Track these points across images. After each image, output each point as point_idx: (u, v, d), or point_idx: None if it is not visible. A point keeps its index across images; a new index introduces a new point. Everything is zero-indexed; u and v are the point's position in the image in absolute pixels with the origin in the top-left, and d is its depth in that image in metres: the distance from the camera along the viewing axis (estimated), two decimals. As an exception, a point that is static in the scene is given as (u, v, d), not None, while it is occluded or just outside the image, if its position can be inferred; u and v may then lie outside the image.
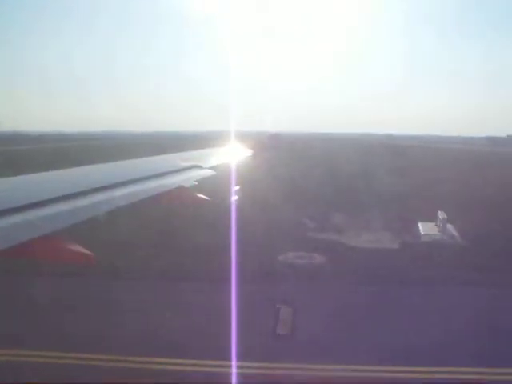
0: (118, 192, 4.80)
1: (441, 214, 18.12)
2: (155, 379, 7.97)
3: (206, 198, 5.86)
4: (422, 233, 17.72)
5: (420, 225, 18.58)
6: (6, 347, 8.78)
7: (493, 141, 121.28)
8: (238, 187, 8.08)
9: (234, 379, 7.64)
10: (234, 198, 8.36)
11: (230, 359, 8.05)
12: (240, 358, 8.11)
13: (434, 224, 18.54)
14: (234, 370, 7.89)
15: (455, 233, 17.61)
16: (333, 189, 26.16)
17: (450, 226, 17.96)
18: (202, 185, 6.24)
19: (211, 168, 7.54)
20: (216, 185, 7.21)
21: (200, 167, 7.39)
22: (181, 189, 5.70)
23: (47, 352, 8.73)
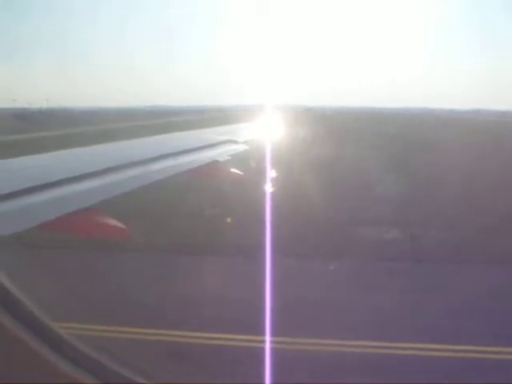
0: (154, 166, 4.84)
1: None
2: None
3: (240, 172, 5.87)
4: None
5: None
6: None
7: None
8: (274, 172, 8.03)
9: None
10: (271, 175, 8.32)
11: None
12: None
13: None
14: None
15: None
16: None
17: None
18: (236, 159, 6.23)
19: (246, 142, 7.52)
20: (250, 159, 7.18)
21: (235, 142, 7.38)
22: (215, 163, 5.72)
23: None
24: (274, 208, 10.11)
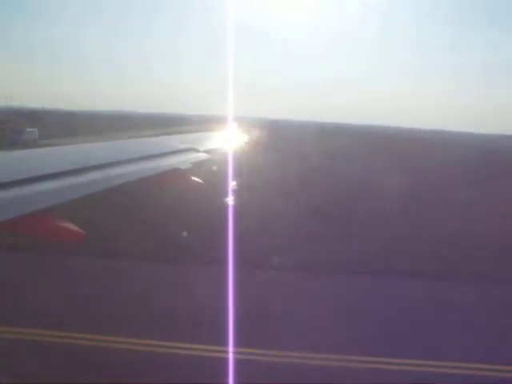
0: (114, 171, 4.80)
1: None
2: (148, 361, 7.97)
3: (201, 181, 5.89)
4: None
5: None
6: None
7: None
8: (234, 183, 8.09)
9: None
10: (232, 184, 8.36)
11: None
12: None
13: None
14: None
15: None
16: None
17: None
18: (197, 168, 6.24)
19: (207, 152, 7.54)
20: (211, 169, 7.19)
21: (196, 150, 7.38)
22: (176, 171, 5.71)
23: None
24: (234, 216, 10.19)
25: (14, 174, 3.73)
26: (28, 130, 44.10)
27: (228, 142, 9.97)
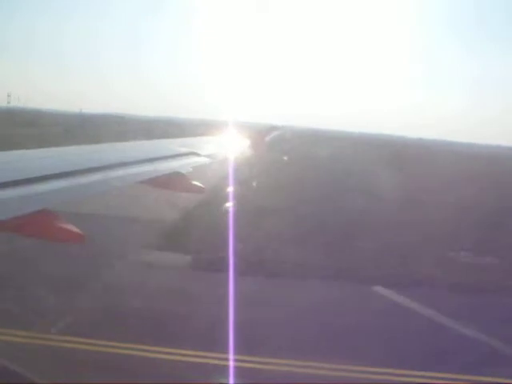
0: (114, 173, 4.78)
1: None
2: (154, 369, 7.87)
3: (202, 185, 5.86)
4: None
5: None
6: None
7: None
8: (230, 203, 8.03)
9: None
10: (230, 188, 8.33)
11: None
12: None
13: None
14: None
15: None
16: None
17: None
18: (197, 172, 6.22)
19: (208, 156, 7.51)
20: (212, 173, 7.16)
21: (197, 154, 7.35)
22: (176, 174, 5.68)
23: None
24: (234, 219, 10.10)
25: (16, 174, 3.70)
26: None
27: (230, 146, 9.93)
